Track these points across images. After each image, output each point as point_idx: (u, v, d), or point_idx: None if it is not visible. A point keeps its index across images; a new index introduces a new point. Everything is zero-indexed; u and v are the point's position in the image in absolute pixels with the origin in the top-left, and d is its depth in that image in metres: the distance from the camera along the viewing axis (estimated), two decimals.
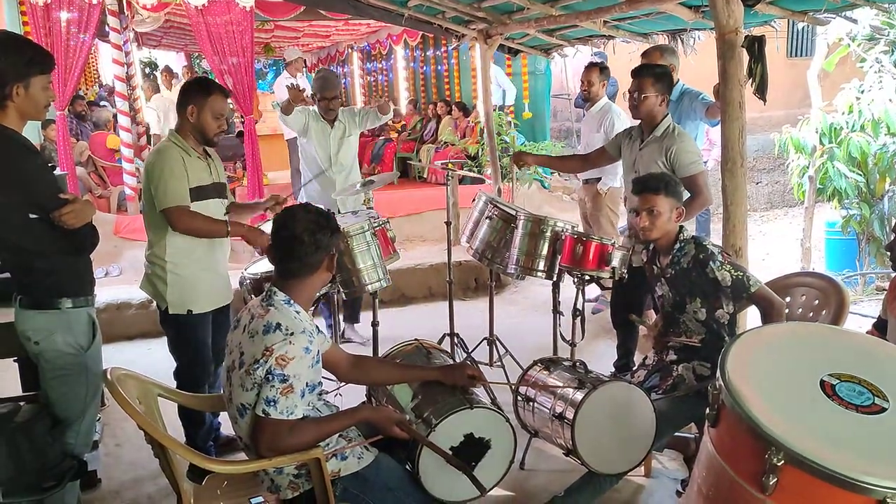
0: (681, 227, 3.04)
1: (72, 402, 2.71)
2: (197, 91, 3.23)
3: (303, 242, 2.27)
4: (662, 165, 3.59)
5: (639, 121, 3.79)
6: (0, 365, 3.50)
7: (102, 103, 12.99)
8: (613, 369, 4.04)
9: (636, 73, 3.72)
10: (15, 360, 3.43)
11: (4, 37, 2.64)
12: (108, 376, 2.30)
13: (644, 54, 4.65)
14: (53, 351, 2.65)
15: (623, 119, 5.01)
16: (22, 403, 2.70)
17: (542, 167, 7.61)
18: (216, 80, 3.64)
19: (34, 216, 2.52)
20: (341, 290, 3.51)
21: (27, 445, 2.49)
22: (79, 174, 7.73)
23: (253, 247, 3.58)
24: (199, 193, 3.23)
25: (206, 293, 3.34)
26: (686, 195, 3.41)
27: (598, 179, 5.28)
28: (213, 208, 3.32)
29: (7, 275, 2.80)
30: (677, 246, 3.02)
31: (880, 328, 2.84)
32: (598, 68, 5.21)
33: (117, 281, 6.36)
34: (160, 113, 8.94)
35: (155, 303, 3.41)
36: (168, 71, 10.36)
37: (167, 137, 3.28)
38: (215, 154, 3.43)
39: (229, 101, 3.67)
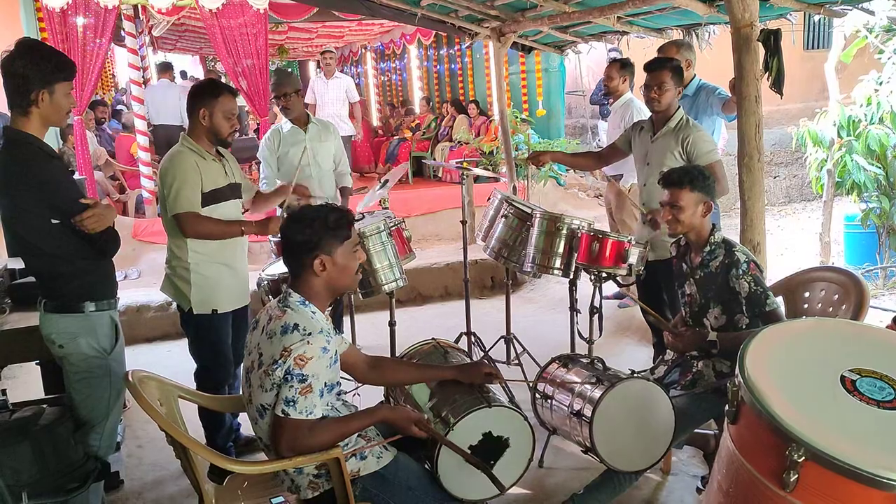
0: (714, 226, 3.00)
1: (96, 404, 2.75)
2: (206, 94, 3.25)
3: (287, 239, 2.30)
4: (678, 156, 3.57)
5: (651, 114, 3.76)
6: (24, 368, 3.55)
7: (119, 107, 13.09)
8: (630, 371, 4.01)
9: (654, 67, 3.65)
10: (37, 363, 3.47)
11: (30, 44, 2.67)
12: (130, 378, 2.33)
13: (660, 50, 4.62)
14: (77, 354, 2.69)
15: (644, 113, 4.98)
16: (45, 406, 2.75)
17: (559, 164, 7.57)
18: (223, 81, 3.63)
19: (56, 221, 2.56)
20: (358, 290, 3.52)
21: (51, 448, 2.53)
22: (97, 178, 7.80)
23: (272, 235, 3.60)
24: (214, 196, 3.26)
25: (229, 293, 3.38)
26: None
27: (621, 176, 5.26)
28: (229, 209, 3.35)
29: (32, 279, 2.83)
30: (707, 248, 2.97)
31: None
32: (618, 64, 5.20)
33: (136, 284, 6.42)
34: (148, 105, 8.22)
35: (175, 304, 3.44)
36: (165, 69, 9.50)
37: (180, 142, 3.29)
38: (229, 154, 3.44)
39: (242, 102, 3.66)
